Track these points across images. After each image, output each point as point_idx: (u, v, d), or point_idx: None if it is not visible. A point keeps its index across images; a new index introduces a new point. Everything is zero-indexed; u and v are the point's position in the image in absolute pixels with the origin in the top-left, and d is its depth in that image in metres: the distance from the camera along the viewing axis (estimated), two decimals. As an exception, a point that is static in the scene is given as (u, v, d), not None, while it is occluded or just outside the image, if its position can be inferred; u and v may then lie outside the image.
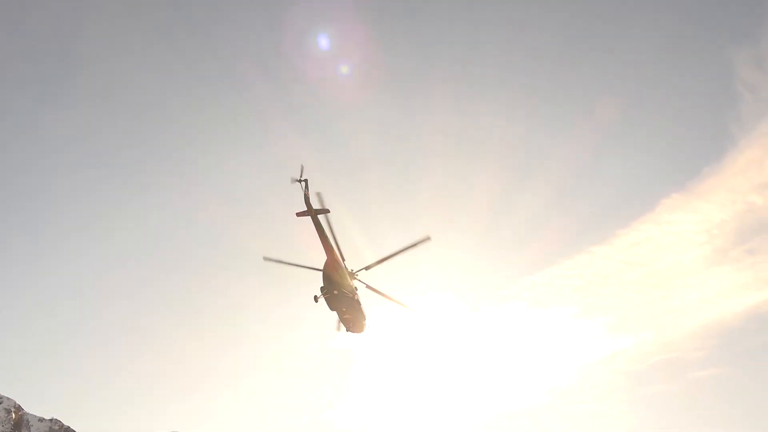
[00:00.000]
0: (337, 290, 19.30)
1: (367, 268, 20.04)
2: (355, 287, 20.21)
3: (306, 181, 18.77)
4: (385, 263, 20.03)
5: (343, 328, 21.47)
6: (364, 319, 20.67)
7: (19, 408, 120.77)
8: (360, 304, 20.22)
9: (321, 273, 19.65)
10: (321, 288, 19.52)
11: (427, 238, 20.45)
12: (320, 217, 19.32)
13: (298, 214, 18.90)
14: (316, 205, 19.08)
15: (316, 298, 19.39)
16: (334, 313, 20.33)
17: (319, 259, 19.91)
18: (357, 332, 20.90)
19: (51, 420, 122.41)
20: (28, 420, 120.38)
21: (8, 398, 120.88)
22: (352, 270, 20.00)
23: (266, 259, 20.55)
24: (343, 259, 19.76)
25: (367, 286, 20.35)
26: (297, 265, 20.08)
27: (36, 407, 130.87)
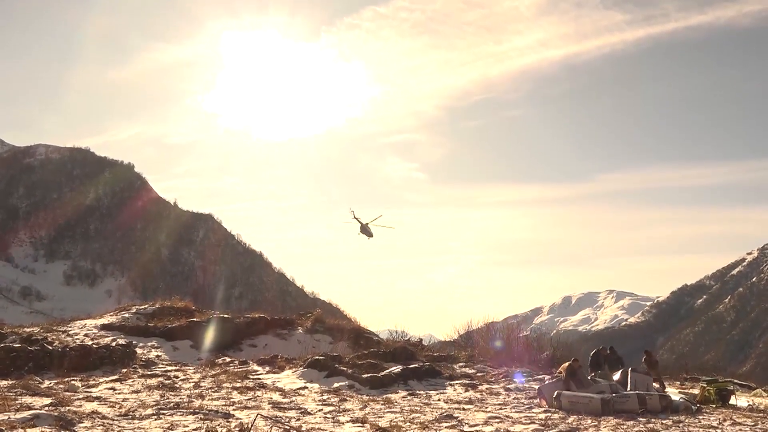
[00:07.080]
0: (362, 234, 41.32)
1: (372, 220, 41.56)
2: (368, 227, 41.46)
3: (355, 217, 40.88)
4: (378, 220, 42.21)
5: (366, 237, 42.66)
6: (372, 234, 41.81)
7: None
8: (370, 230, 41.34)
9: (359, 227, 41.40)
10: (358, 233, 41.54)
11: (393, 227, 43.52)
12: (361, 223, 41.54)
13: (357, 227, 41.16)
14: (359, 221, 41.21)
15: (358, 234, 41.22)
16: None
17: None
18: (371, 237, 42.15)
19: None
20: None
21: None
22: (366, 223, 41.34)
23: (347, 222, 41.26)
24: (364, 222, 41.79)
25: (370, 224, 41.56)
26: (365, 224, 40.99)
27: None
